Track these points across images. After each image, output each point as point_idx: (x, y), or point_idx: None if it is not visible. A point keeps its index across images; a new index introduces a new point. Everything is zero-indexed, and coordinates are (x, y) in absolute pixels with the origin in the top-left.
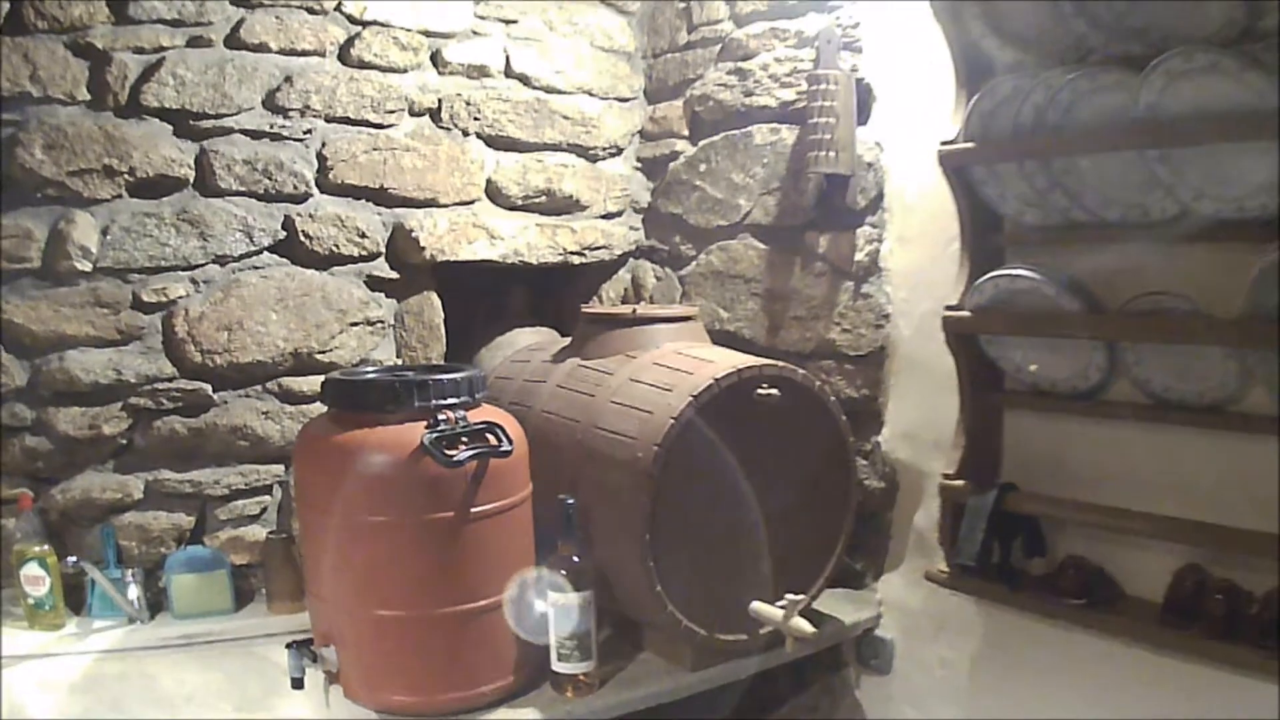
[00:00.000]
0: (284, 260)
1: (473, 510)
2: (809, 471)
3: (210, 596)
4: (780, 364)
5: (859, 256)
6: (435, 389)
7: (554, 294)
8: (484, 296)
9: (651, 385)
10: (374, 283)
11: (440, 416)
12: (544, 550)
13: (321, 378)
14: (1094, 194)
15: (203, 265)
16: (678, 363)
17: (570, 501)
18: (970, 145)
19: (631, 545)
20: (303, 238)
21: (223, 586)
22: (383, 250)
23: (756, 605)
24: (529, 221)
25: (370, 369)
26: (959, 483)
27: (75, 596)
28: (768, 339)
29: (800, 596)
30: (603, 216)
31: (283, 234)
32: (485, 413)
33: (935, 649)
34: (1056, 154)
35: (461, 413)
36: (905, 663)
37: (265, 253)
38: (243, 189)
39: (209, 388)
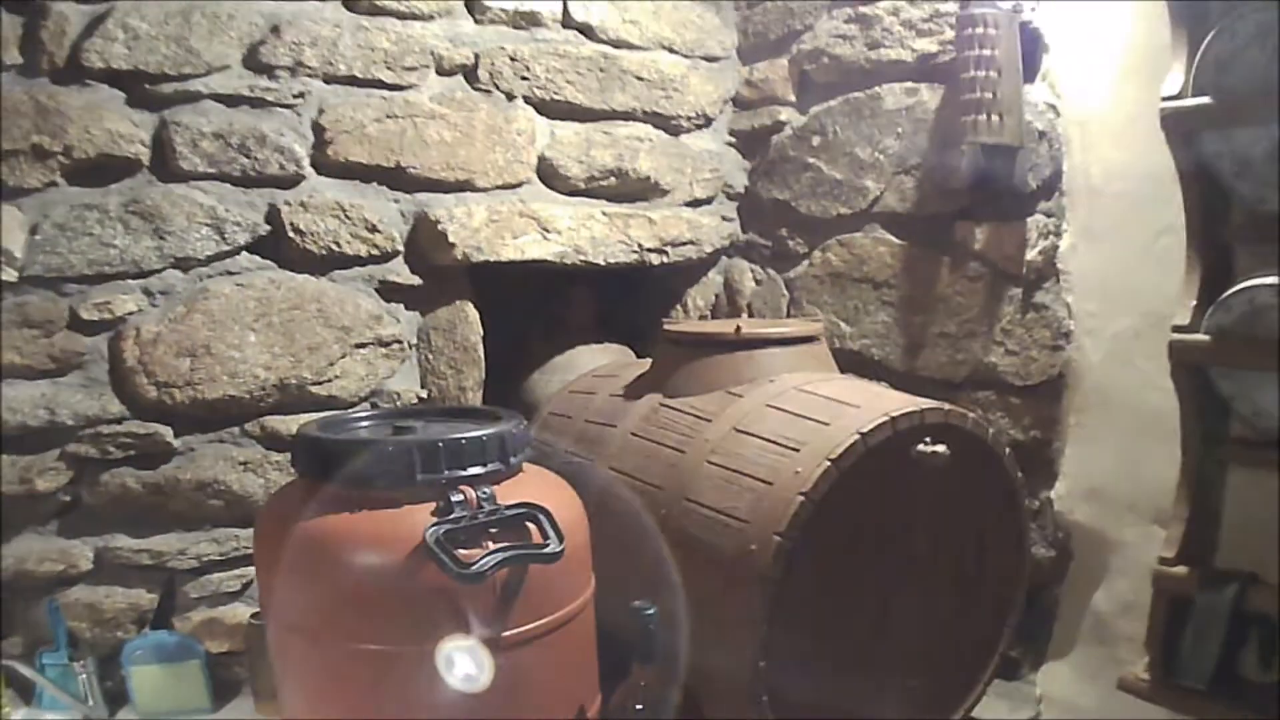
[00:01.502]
0: (267, 263)
1: (505, 634)
2: (968, 544)
3: (181, 692)
4: (947, 407)
5: (1030, 255)
6: (449, 454)
7: (626, 301)
8: (537, 306)
9: (769, 441)
10: (389, 291)
11: (455, 497)
12: (612, 676)
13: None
14: None
15: (159, 271)
16: (804, 406)
17: (650, 611)
18: (1206, 102)
19: (737, 672)
20: (292, 233)
21: (197, 680)
22: (400, 248)
23: None
24: (594, 210)
25: (362, 415)
26: (1181, 570)
27: (24, 682)
28: (905, 361)
29: None
30: (688, 204)
31: (265, 228)
32: (526, 483)
33: None
34: None
35: (488, 489)
36: None
37: (242, 253)
38: (212, 171)
39: (168, 431)
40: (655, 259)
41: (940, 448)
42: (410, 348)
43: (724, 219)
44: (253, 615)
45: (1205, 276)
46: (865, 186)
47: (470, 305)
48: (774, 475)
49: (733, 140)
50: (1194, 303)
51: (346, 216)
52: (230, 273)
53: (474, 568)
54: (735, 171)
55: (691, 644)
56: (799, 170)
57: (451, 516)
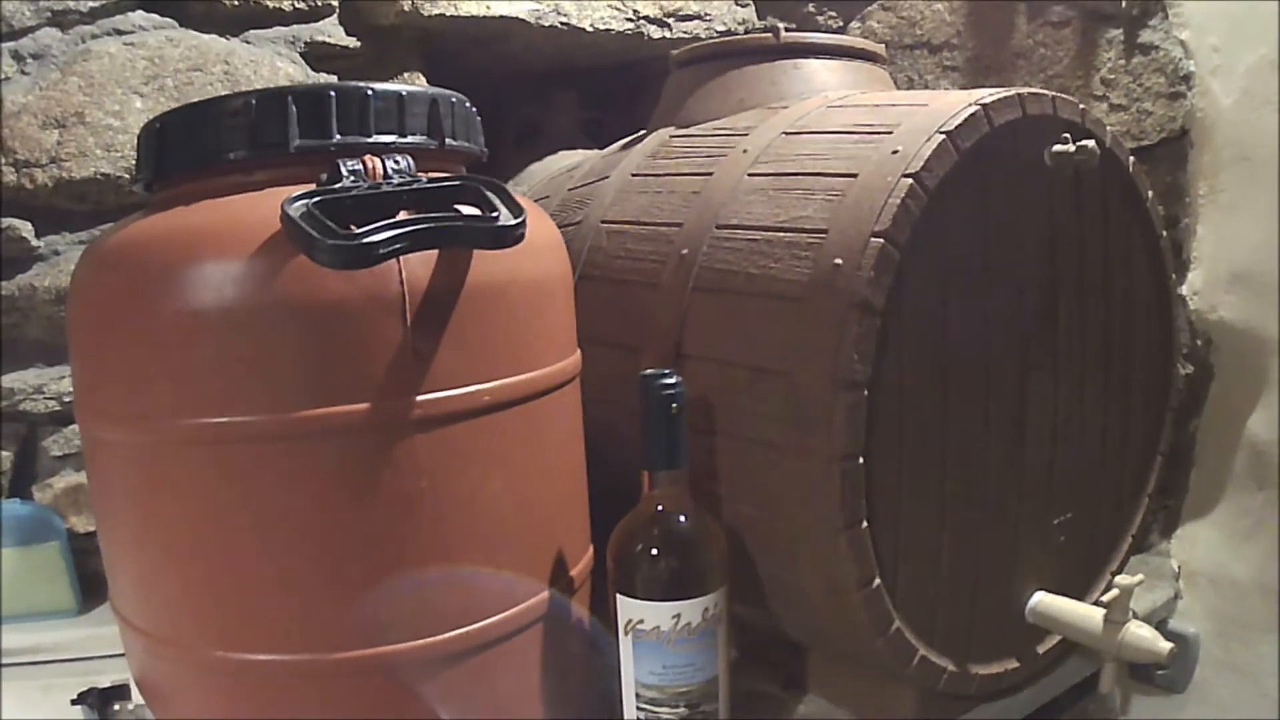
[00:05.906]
0: (168, 21)
1: (423, 399)
2: (1109, 324)
3: (39, 586)
4: (1082, 105)
5: None
6: (345, 110)
7: (616, 108)
8: (510, 112)
9: (842, 132)
10: (318, 56)
11: (349, 165)
12: (611, 497)
13: None
14: None
15: (33, 29)
16: (882, 99)
17: (671, 382)
18: None
19: (812, 478)
20: None
21: (57, 569)
22: (335, 3)
23: (1045, 602)
24: None
25: None
26: None
27: None
28: None
29: (1135, 579)
30: None
31: None
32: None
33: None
34: None
35: (401, 160)
36: (1219, 674)
37: (138, 11)
38: None
39: (27, 227)
40: (655, 31)
41: (1089, 143)
42: None
43: (736, 3)
44: None
45: None
46: None
47: (422, 79)
48: (859, 164)
49: None
50: None
51: None
52: (120, 32)
53: (359, 240)
54: None
55: (738, 445)
56: None
57: (333, 187)
